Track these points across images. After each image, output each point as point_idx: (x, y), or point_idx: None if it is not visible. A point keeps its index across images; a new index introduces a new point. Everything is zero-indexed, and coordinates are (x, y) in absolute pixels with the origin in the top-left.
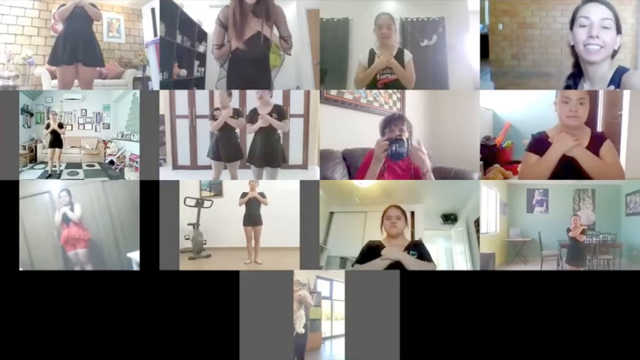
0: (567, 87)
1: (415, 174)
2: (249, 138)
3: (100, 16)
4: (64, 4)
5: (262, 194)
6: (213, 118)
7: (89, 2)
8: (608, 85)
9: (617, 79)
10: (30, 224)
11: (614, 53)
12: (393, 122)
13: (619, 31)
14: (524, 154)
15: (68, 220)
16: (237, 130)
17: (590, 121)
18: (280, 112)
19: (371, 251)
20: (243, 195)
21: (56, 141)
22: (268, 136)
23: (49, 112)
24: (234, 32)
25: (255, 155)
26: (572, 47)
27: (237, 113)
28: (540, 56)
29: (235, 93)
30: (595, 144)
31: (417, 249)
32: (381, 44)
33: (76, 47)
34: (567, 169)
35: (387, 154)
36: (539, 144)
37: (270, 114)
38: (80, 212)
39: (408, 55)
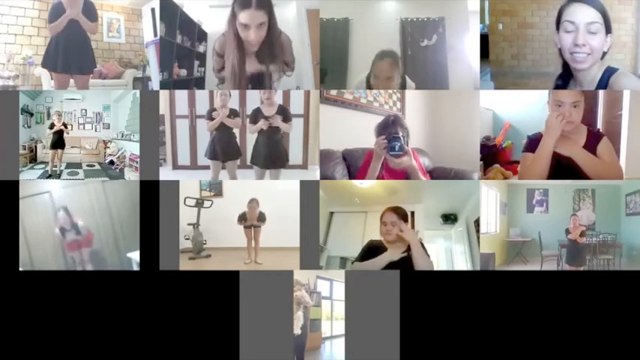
0: (556, 87)
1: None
2: (250, 138)
3: (94, 29)
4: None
5: (262, 216)
6: (211, 117)
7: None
8: (597, 88)
9: (605, 80)
10: (30, 224)
11: (604, 54)
12: (387, 129)
13: (609, 30)
14: (522, 155)
15: (77, 239)
16: (236, 130)
17: (590, 121)
18: (285, 113)
19: (372, 250)
20: (241, 218)
21: (59, 141)
22: (271, 136)
23: (54, 112)
24: (233, 81)
25: (260, 156)
26: (560, 49)
27: (233, 113)
28: (540, 56)
29: (235, 93)
30: (592, 142)
31: None
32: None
33: (69, 57)
34: (565, 169)
35: (386, 150)
36: (536, 144)
37: (274, 115)
38: (85, 227)
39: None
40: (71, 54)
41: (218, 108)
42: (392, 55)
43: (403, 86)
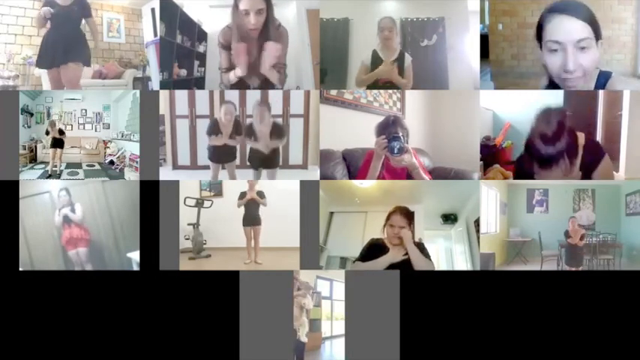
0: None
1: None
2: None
3: (77, 28)
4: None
5: (261, 193)
6: (213, 131)
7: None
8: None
9: (603, 83)
10: (30, 224)
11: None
12: (387, 129)
13: (598, 37)
14: None
15: (70, 221)
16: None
17: (590, 122)
18: (279, 132)
19: (373, 249)
20: (242, 196)
21: (58, 141)
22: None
23: (49, 119)
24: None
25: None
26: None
27: (236, 126)
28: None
29: (235, 93)
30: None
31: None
32: (383, 46)
33: (56, 51)
34: None
35: (387, 150)
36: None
37: (270, 134)
38: (81, 212)
39: (408, 60)
40: (58, 46)
41: (222, 127)
42: (389, 18)
43: (402, 60)
